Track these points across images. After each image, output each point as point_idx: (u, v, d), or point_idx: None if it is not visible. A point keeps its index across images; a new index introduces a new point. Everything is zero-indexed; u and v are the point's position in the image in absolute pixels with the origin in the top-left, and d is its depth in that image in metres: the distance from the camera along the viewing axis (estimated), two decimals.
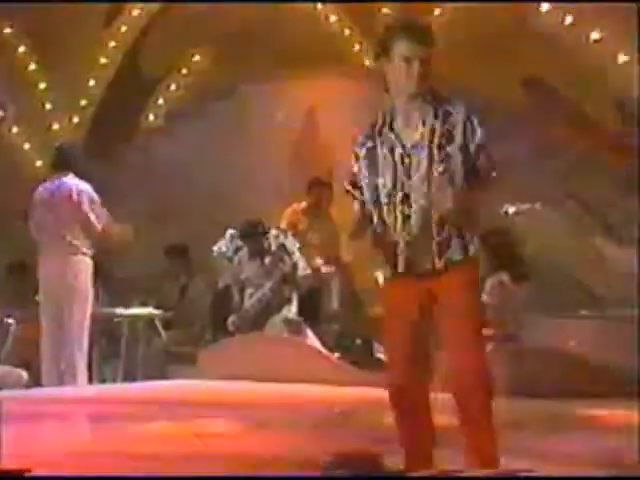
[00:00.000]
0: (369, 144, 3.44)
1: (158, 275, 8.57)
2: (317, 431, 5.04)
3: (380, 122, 3.45)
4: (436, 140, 3.33)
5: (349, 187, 3.53)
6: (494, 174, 3.40)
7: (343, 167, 9.78)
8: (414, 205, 3.32)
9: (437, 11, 9.43)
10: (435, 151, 3.33)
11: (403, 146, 3.36)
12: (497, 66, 8.56)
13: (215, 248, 8.03)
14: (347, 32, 9.66)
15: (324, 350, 7.32)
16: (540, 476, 2.30)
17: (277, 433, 4.93)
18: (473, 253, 3.38)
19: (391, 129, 3.40)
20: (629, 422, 4.84)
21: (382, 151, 3.39)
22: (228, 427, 5.12)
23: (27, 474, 3.27)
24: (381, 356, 7.34)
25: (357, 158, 3.47)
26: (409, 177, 3.34)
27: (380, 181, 3.38)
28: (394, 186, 3.35)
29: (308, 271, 7.75)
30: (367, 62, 9.65)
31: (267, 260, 7.67)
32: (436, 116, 3.36)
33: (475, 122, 3.37)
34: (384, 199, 3.36)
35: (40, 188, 6.85)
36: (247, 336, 7.47)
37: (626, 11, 7.39)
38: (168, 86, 10.17)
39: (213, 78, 9.85)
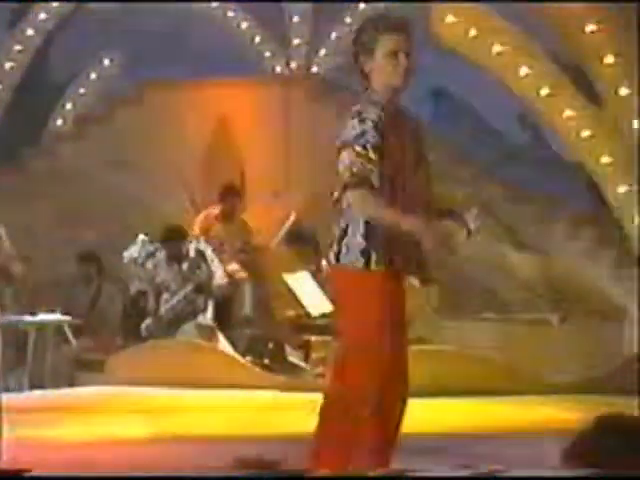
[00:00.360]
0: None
1: (69, 281, 8.47)
2: (230, 435, 5.07)
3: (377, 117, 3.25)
4: None
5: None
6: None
7: (254, 173, 9.93)
8: None
9: (347, 19, 9.57)
10: None
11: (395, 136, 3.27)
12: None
13: (126, 254, 7.97)
14: (258, 39, 9.71)
15: (236, 355, 7.34)
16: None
17: (188, 438, 4.94)
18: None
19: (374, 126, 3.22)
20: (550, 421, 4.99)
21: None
22: (138, 433, 5.11)
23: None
24: (294, 360, 7.40)
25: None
26: None
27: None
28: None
29: (224, 280, 7.75)
30: (278, 68, 9.72)
31: (185, 266, 7.65)
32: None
33: None
34: None
35: None
36: (158, 342, 7.43)
37: (528, 25, 7.62)
38: (77, 90, 10.06)
39: (123, 83, 9.79)
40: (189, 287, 7.55)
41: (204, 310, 7.61)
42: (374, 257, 3.28)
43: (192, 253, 7.67)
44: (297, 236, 7.57)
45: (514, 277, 7.74)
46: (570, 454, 1.72)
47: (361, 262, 3.27)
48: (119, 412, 5.91)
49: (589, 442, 1.74)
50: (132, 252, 8.02)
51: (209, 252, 7.76)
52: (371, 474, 3.19)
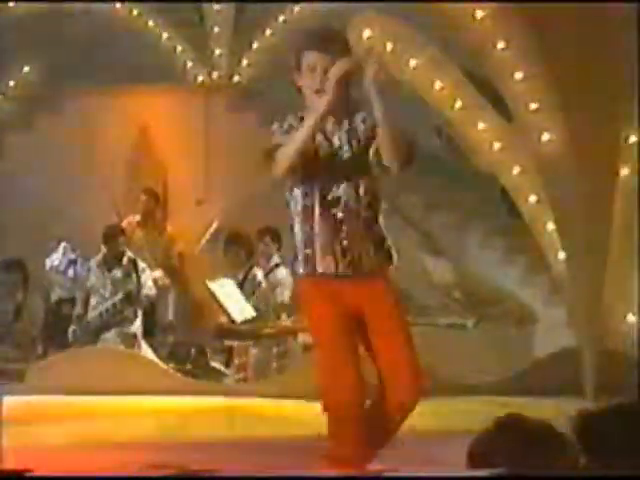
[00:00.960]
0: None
1: None
2: (152, 442, 5.10)
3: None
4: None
5: None
6: None
7: (177, 181, 9.96)
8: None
9: (268, 31, 9.67)
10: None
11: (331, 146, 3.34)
12: None
13: (47, 261, 7.93)
14: (180, 48, 9.73)
15: (158, 361, 7.36)
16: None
17: (110, 446, 4.95)
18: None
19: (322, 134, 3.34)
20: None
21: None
22: (58, 442, 5.09)
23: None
24: (216, 365, 7.47)
25: None
26: None
27: None
28: None
29: (153, 291, 7.77)
30: (200, 77, 9.76)
31: (118, 273, 7.64)
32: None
33: None
34: None
35: None
36: (79, 350, 7.41)
37: (442, 41, 7.83)
38: None
39: (43, 91, 9.70)
40: (119, 296, 7.55)
41: (133, 319, 7.61)
42: (300, 263, 3.37)
43: (125, 261, 7.67)
44: (232, 241, 7.63)
45: (431, 283, 7.94)
46: (472, 453, 1.85)
47: (295, 268, 3.39)
48: (39, 421, 5.88)
49: (488, 442, 1.87)
50: (53, 259, 7.98)
51: (140, 262, 7.78)
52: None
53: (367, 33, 7.98)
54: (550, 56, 6.81)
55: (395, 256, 3.40)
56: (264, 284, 7.44)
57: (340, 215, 3.31)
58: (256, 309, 7.28)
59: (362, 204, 3.32)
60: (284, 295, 7.36)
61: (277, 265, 7.54)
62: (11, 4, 9.20)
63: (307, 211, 3.34)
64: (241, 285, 7.48)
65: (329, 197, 3.32)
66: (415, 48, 7.96)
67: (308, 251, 3.34)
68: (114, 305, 7.55)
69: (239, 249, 7.58)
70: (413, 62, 7.95)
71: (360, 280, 3.33)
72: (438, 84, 7.95)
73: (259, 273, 7.51)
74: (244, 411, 6.20)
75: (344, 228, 3.30)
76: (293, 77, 3.39)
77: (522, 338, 7.70)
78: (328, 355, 3.33)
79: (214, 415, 6.07)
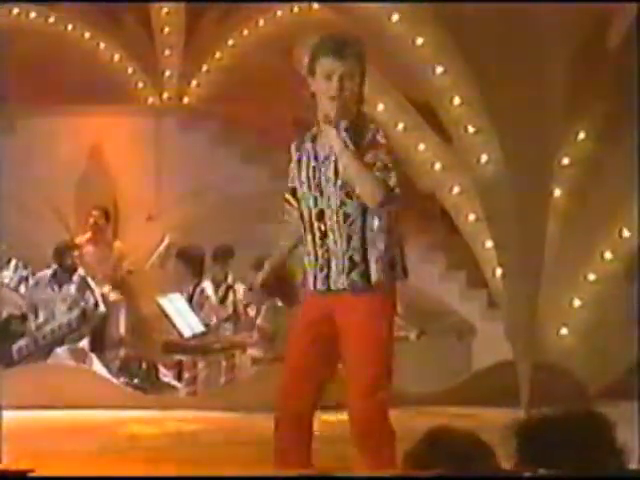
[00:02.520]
0: (295, 156, 3.40)
1: None
2: (102, 456, 5.08)
3: (307, 136, 3.38)
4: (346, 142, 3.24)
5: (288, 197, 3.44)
6: None
7: (128, 199, 9.88)
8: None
9: (217, 54, 9.71)
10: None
11: (316, 158, 3.32)
12: (272, 107, 8.92)
13: None
14: (130, 70, 9.73)
15: (109, 376, 7.33)
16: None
17: (62, 460, 4.92)
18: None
19: (312, 143, 3.35)
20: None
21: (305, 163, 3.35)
22: (11, 458, 5.03)
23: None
24: (166, 379, 7.46)
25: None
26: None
27: None
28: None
29: (103, 309, 7.73)
30: (150, 99, 9.77)
31: (71, 290, 7.57)
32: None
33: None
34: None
35: None
36: (28, 366, 7.32)
37: (386, 64, 7.94)
38: None
39: None
40: (74, 314, 7.48)
41: (84, 335, 7.55)
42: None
43: (76, 279, 7.62)
44: (182, 256, 7.62)
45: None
46: (406, 459, 1.93)
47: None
48: None
49: (420, 449, 1.95)
50: (4, 276, 7.90)
51: (90, 280, 7.73)
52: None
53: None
54: (486, 80, 6.96)
55: (375, 276, 3.29)
56: (214, 299, 7.45)
57: (323, 229, 3.28)
58: (205, 324, 7.29)
59: (343, 219, 3.27)
60: (249, 312, 7.37)
61: (235, 282, 7.53)
62: None
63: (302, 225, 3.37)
64: (189, 300, 7.48)
65: (314, 211, 3.30)
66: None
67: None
68: (69, 323, 7.49)
69: (188, 264, 7.59)
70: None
71: (335, 296, 3.30)
72: (380, 106, 8.07)
73: (208, 288, 7.52)
74: (193, 424, 6.20)
75: (326, 243, 3.27)
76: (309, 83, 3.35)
77: (462, 351, 7.82)
78: (288, 365, 3.38)
79: (163, 429, 6.07)
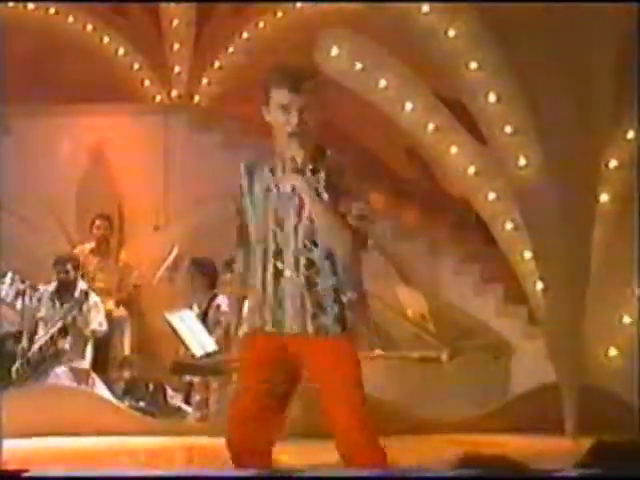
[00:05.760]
0: (245, 183, 3.46)
1: None
2: None
3: (261, 163, 3.45)
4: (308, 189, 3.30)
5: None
6: None
7: (133, 206, 9.87)
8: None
9: (230, 48, 9.71)
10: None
11: (277, 192, 3.36)
12: None
13: None
14: (136, 66, 9.73)
15: (113, 399, 7.30)
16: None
17: None
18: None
19: (271, 174, 3.41)
20: None
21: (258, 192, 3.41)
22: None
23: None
24: (175, 402, 7.42)
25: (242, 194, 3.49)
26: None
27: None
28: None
29: (104, 327, 7.70)
30: (158, 97, 9.77)
31: (67, 305, 7.56)
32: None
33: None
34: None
35: None
36: (25, 388, 7.28)
37: (415, 60, 7.91)
38: None
39: None
40: (54, 329, 7.46)
41: (81, 355, 7.53)
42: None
43: (77, 293, 7.61)
44: (201, 267, 7.57)
45: (403, 313, 7.97)
46: None
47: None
48: None
49: None
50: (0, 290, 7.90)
51: (93, 295, 7.71)
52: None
53: (335, 51, 8.05)
54: (525, 76, 6.91)
55: (348, 320, 3.36)
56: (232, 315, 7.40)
57: (279, 267, 3.35)
58: (218, 342, 7.25)
59: (305, 263, 3.32)
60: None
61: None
62: None
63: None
64: (205, 315, 7.44)
65: (272, 247, 3.36)
66: (385, 67, 8.03)
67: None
68: (51, 338, 7.47)
69: (202, 277, 7.54)
70: (383, 82, 8.02)
71: (294, 339, 3.39)
72: (409, 105, 8.02)
73: (223, 303, 7.47)
74: (204, 451, 6.16)
75: (280, 282, 3.36)
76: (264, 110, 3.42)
77: (499, 372, 7.74)
78: (239, 406, 3.50)
79: (172, 456, 6.03)
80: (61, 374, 7.41)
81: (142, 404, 7.41)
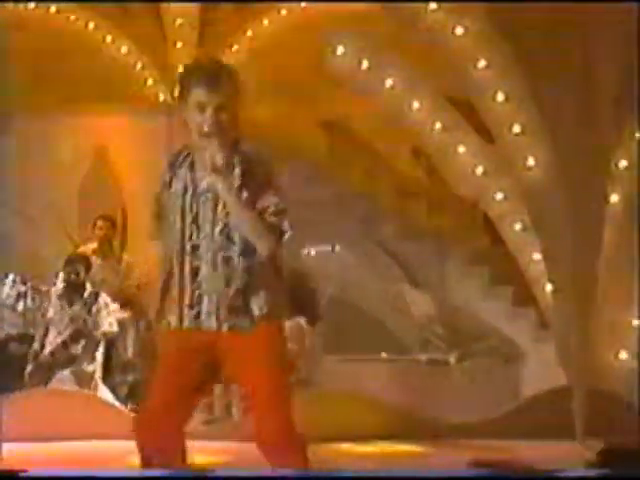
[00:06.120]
0: (167, 177, 3.46)
1: None
2: None
3: (180, 160, 3.44)
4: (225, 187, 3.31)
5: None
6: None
7: (136, 206, 9.85)
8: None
9: (235, 46, 9.69)
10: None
11: (194, 190, 3.38)
12: (295, 108, 8.89)
13: None
14: (139, 65, 9.71)
15: (117, 403, 7.27)
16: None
17: None
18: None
19: (190, 171, 3.41)
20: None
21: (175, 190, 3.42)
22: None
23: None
24: None
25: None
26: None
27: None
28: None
29: (114, 328, 7.67)
30: (162, 97, 9.74)
31: (76, 308, 7.53)
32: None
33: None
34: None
35: None
36: (28, 392, 7.26)
37: (422, 58, 7.89)
38: None
39: None
40: (67, 332, 7.44)
41: (91, 359, 7.50)
42: None
43: (86, 294, 7.58)
44: None
45: (410, 316, 7.95)
46: None
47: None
48: None
49: None
50: (1, 292, 7.87)
51: (103, 296, 7.68)
52: None
53: (340, 50, 8.02)
54: (533, 75, 6.88)
55: (261, 316, 3.39)
56: None
57: (195, 264, 3.38)
58: None
59: (222, 260, 3.36)
60: None
61: None
62: None
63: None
64: None
65: (188, 245, 3.37)
66: (391, 66, 8.01)
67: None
68: (64, 342, 7.44)
69: None
70: (389, 81, 8.00)
71: (210, 335, 3.42)
72: (415, 104, 7.99)
73: None
74: (209, 457, 6.14)
75: (197, 280, 3.38)
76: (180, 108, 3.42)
77: (508, 376, 7.71)
78: (153, 402, 3.53)
79: None
80: (65, 377, 7.38)
81: None
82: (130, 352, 8.28)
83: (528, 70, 6.95)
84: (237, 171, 3.32)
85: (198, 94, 3.32)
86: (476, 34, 7.37)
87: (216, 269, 3.35)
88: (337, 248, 8.52)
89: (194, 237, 3.36)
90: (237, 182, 3.30)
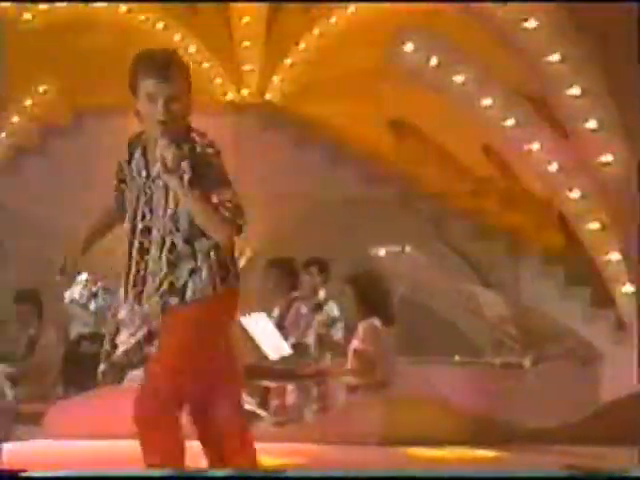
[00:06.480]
0: (127, 155, 3.55)
1: (2, 323, 8.37)
2: None
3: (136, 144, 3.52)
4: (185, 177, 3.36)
5: None
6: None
7: None
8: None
9: (302, 44, 9.69)
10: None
11: (147, 175, 3.46)
12: (362, 106, 8.86)
13: (67, 294, 7.91)
14: (207, 64, 9.76)
15: None
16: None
17: None
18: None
19: (142, 155, 3.48)
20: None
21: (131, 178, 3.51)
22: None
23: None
24: (250, 407, 7.40)
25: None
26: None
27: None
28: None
29: None
30: (229, 96, 9.79)
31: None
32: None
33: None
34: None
35: None
36: (101, 390, 7.35)
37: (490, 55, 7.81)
38: (10, 118, 9.99)
39: (59, 110, 9.75)
40: (141, 332, 7.50)
41: None
42: None
43: None
44: (281, 267, 7.50)
45: (483, 317, 7.86)
46: None
47: None
48: (57, 469, 5.83)
49: None
50: (74, 292, 7.96)
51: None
52: None
53: (410, 47, 7.97)
54: (610, 67, 6.77)
55: (189, 295, 3.45)
56: (311, 319, 7.35)
57: (145, 246, 3.48)
58: (299, 346, 7.20)
59: (169, 246, 3.44)
60: (338, 334, 7.28)
61: (326, 300, 7.46)
62: (27, 16, 9.27)
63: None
64: (282, 318, 7.40)
65: (140, 225, 3.46)
66: (461, 63, 7.94)
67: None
68: (138, 343, 7.50)
69: (282, 277, 7.46)
70: (459, 77, 7.92)
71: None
72: (487, 101, 7.91)
73: (303, 306, 7.41)
74: (281, 458, 6.14)
75: (144, 260, 3.48)
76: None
77: (586, 379, 7.57)
78: None
79: None
80: (138, 376, 7.43)
81: None
82: None
83: (604, 64, 6.83)
84: (186, 163, 3.34)
85: (148, 85, 3.35)
86: (549, 28, 7.27)
87: (161, 252, 3.42)
88: (407, 248, 8.46)
89: (146, 219, 3.44)
90: (188, 174, 3.33)
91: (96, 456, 6.23)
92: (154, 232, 3.43)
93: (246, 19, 9.61)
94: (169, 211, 3.41)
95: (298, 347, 7.19)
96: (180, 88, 3.38)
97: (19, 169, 9.77)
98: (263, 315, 7.46)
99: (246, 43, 9.65)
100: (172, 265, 3.43)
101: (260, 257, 8.32)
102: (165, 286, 3.45)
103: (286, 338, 7.26)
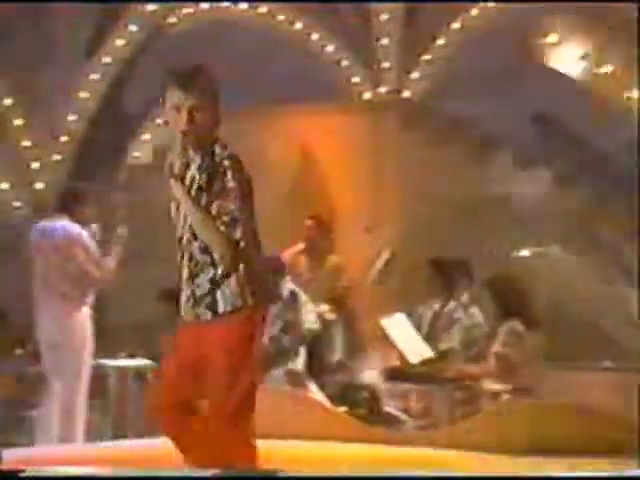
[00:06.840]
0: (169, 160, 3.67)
1: (149, 322, 8.58)
2: None
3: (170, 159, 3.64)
4: (195, 186, 3.52)
5: None
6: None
7: (343, 207, 9.97)
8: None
9: (440, 40, 9.61)
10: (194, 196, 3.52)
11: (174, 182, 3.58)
12: (504, 100, 8.73)
13: None
14: (345, 63, 9.80)
15: (329, 404, 7.36)
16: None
17: None
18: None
19: (169, 164, 3.61)
20: None
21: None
22: None
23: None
24: (391, 411, 7.41)
25: None
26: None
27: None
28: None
29: (317, 325, 7.79)
30: (367, 95, 9.79)
31: (277, 307, 7.67)
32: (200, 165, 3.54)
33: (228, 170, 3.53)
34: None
35: (34, 229, 6.89)
36: None
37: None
38: (153, 121, 10.26)
39: None
40: (277, 326, 7.58)
41: (295, 355, 7.64)
42: None
43: (286, 293, 7.72)
44: (440, 265, 7.45)
45: (633, 321, 7.64)
46: None
47: None
48: None
49: None
50: None
51: (302, 294, 7.81)
52: None
53: (553, 38, 7.83)
54: None
55: (222, 307, 3.52)
56: (463, 321, 7.28)
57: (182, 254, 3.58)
58: (448, 350, 7.16)
59: (188, 256, 3.55)
60: (480, 338, 7.21)
61: (470, 304, 7.40)
62: (172, 19, 9.50)
63: None
64: (436, 319, 7.36)
65: (177, 234, 3.58)
66: (609, 51, 7.73)
67: None
68: (272, 338, 7.58)
69: (439, 276, 7.42)
70: (607, 68, 7.74)
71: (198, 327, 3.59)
72: (636, 92, 7.70)
73: (460, 309, 7.34)
74: (424, 463, 6.11)
75: (183, 270, 3.57)
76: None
77: None
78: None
79: (393, 465, 6.00)
80: (278, 376, 7.53)
81: (358, 410, 7.43)
82: (339, 353, 8.36)
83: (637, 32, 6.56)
84: (204, 175, 3.49)
85: (173, 96, 3.50)
86: None
87: (186, 262, 3.55)
88: (550, 248, 8.30)
89: (178, 228, 3.60)
90: (203, 183, 3.49)
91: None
92: (182, 242, 3.58)
93: (384, 17, 9.60)
94: (187, 220, 3.55)
95: (447, 352, 7.15)
96: (204, 100, 3.52)
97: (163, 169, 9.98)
98: (403, 316, 7.46)
99: (384, 41, 9.63)
100: (193, 275, 3.54)
101: (396, 258, 8.29)
102: (192, 297, 3.55)
103: (437, 341, 7.24)
